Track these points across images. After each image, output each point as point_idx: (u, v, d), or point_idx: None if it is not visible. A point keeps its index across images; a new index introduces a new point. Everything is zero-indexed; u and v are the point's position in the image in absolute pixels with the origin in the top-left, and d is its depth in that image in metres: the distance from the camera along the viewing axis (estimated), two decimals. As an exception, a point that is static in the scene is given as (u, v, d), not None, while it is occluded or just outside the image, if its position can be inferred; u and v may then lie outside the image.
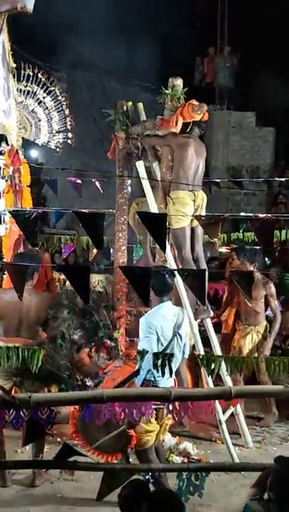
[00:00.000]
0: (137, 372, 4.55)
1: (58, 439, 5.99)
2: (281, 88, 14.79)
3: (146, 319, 4.85)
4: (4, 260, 6.02)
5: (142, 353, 4.42)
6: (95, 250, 10.92)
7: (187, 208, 6.35)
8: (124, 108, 7.31)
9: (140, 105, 7.23)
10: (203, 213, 6.43)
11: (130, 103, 7.34)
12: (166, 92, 6.30)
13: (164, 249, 4.65)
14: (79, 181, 8.08)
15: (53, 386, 4.89)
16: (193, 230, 6.44)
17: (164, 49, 14.60)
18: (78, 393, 4.00)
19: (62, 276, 8.79)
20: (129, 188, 8.29)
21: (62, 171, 11.07)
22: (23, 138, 7.22)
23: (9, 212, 4.99)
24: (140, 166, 6.72)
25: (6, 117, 5.99)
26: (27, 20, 5.53)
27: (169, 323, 4.88)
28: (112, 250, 8.91)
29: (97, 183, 8.58)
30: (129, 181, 8.08)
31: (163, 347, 4.76)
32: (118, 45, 15.25)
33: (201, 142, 6.65)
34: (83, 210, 4.08)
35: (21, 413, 3.72)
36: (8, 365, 4.05)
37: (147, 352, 4.45)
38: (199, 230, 6.47)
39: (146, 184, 6.65)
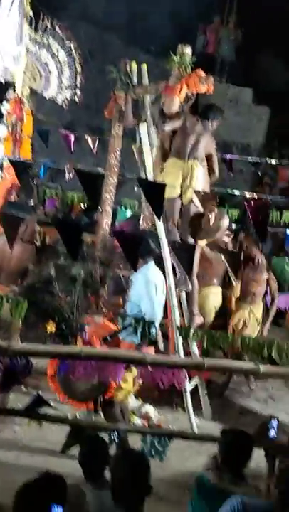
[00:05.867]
0: None
1: (24, 389, 6.11)
2: (281, 69, 14.75)
3: (144, 276, 4.95)
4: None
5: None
6: (79, 207, 10.87)
7: (170, 176, 6.31)
8: (128, 68, 7.21)
9: (144, 67, 7.13)
10: (196, 186, 6.42)
11: (134, 64, 7.24)
12: (174, 59, 6.23)
13: (159, 217, 4.72)
14: (72, 136, 8.03)
15: (50, 324, 5.04)
16: (185, 207, 6.46)
17: (168, 12, 14.34)
18: (56, 347, 4.07)
19: (43, 230, 8.77)
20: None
21: (51, 123, 10.95)
22: (31, 88, 7.12)
23: (10, 161, 4.95)
24: (143, 128, 6.64)
25: (15, 63, 5.90)
26: None
27: (160, 279, 5.03)
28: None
29: (89, 141, 8.52)
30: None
31: (158, 302, 4.91)
32: (122, 1, 14.92)
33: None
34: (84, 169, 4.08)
35: (-2, 360, 3.80)
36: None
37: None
38: (191, 209, 6.47)
39: (146, 148, 6.61)
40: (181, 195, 6.42)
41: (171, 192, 6.24)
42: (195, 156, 6.45)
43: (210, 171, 6.69)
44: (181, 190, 6.41)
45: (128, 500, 2.80)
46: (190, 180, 6.40)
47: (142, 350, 4.84)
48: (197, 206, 6.38)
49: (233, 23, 15.90)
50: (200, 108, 6.57)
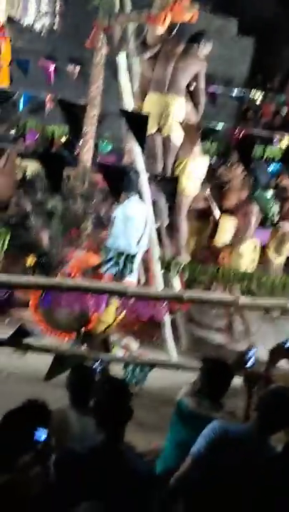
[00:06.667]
0: None
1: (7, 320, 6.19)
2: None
3: (124, 210, 5.01)
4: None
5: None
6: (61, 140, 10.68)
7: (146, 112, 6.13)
8: (110, -4, 6.96)
9: (127, -5, 6.89)
10: (175, 119, 6.28)
11: (117, -9, 6.98)
12: (158, -14, 6.03)
13: (142, 149, 4.69)
14: (52, 66, 7.81)
15: (31, 257, 5.12)
16: (164, 141, 6.36)
17: None
18: (38, 278, 4.11)
19: (24, 164, 8.67)
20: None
21: (31, 53, 10.59)
22: (8, 16, 6.83)
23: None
24: (122, 58, 6.48)
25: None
26: None
27: (142, 214, 5.08)
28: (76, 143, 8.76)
29: (70, 70, 8.31)
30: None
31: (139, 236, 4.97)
32: None
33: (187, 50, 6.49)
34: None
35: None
36: None
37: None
38: (172, 142, 6.38)
39: (124, 79, 6.46)
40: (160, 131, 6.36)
41: (149, 129, 6.18)
42: (175, 87, 6.30)
43: (194, 101, 6.55)
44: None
45: (109, 425, 2.91)
46: (166, 116, 6.27)
47: (123, 282, 4.93)
48: (177, 141, 6.32)
49: None
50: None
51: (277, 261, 7.74)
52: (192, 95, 6.58)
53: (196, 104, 6.58)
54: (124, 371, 4.24)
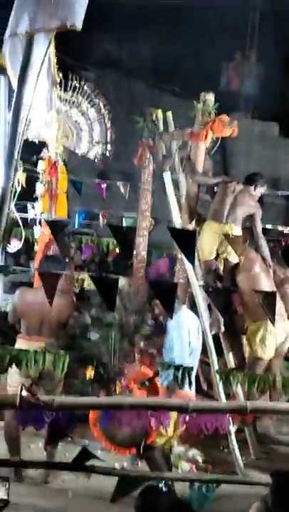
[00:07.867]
0: None
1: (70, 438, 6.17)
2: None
3: (176, 321, 5.10)
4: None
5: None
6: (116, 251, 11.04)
7: (207, 243, 6.43)
8: (153, 116, 7.41)
9: (169, 114, 7.32)
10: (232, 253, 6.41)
11: (160, 112, 7.44)
12: (198, 106, 6.40)
13: (192, 264, 4.84)
14: (104, 185, 8.26)
15: (89, 369, 5.24)
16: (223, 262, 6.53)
17: (191, 51, 14.67)
18: (99, 399, 4.15)
19: (81, 276, 8.96)
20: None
21: (84, 173, 11.22)
22: (64, 146, 7.40)
23: (46, 221, 5.17)
24: (167, 177, 6.82)
25: (47, 128, 6.23)
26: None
27: (194, 324, 5.18)
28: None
29: (121, 187, 8.74)
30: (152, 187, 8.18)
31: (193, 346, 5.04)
32: (144, 45, 15.37)
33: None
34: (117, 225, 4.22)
35: (44, 415, 3.90)
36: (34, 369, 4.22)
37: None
38: (230, 262, 6.51)
39: (171, 197, 6.77)
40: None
41: (210, 256, 6.48)
42: (233, 218, 6.53)
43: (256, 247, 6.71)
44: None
45: None
46: (226, 246, 6.39)
47: (182, 395, 4.92)
48: (234, 260, 6.52)
49: (254, 58, 16.14)
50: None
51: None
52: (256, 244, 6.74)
53: (258, 249, 6.70)
54: (190, 489, 4.13)
